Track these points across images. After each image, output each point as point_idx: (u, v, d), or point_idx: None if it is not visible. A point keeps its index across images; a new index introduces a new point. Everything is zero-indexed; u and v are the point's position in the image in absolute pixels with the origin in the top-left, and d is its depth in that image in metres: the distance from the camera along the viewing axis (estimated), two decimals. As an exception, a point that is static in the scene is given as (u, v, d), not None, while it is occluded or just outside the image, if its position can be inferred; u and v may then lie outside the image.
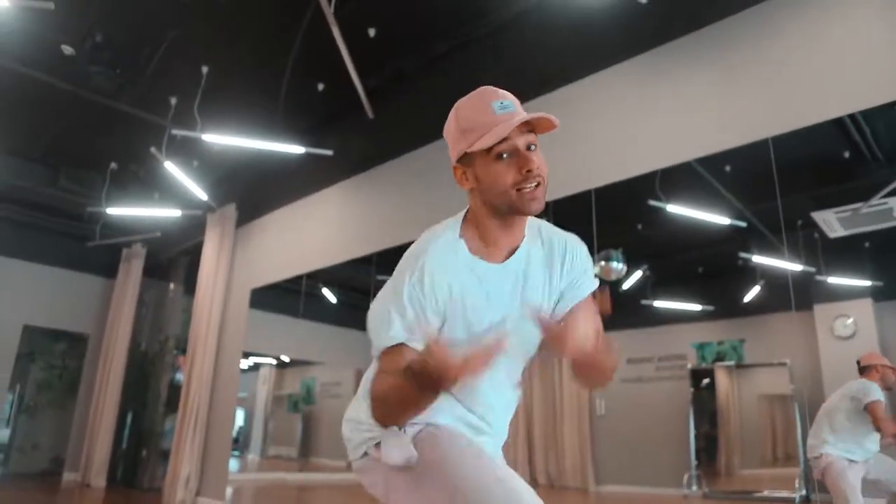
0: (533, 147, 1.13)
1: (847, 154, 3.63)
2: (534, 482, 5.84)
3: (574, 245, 1.30)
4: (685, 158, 3.19)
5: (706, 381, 5.64)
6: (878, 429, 3.02)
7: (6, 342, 7.59)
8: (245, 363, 8.19)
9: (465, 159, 1.17)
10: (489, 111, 1.12)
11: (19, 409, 9.07)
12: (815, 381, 3.76)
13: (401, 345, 1.12)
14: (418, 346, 1.09)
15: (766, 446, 5.06)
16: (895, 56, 2.54)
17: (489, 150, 1.11)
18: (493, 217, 1.18)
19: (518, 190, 1.11)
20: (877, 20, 2.65)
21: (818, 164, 3.88)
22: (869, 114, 3.05)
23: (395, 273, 1.19)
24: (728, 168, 3.80)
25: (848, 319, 4.06)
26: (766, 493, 4.91)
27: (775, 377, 4.91)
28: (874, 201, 3.65)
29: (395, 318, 1.13)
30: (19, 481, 7.69)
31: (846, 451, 3.13)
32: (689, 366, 5.78)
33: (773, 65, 2.89)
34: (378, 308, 1.17)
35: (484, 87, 1.17)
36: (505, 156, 1.11)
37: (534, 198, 1.12)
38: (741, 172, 3.83)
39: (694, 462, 5.28)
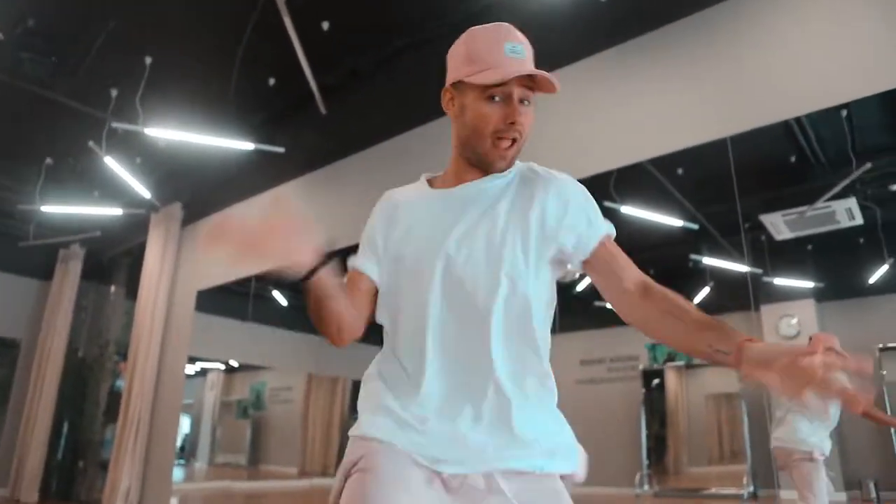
0: (527, 102, 1.09)
1: (793, 158, 3.71)
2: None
3: (564, 180, 1.16)
4: (639, 158, 3.20)
5: (657, 381, 5.74)
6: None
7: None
8: (192, 368, 7.93)
9: (459, 87, 1.13)
10: (501, 50, 1.08)
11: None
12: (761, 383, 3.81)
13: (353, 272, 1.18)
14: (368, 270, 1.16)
15: (714, 444, 5.16)
16: (849, 58, 2.59)
17: (485, 87, 1.07)
18: (460, 155, 1.17)
19: (495, 139, 1.09)
20: (831, 24, 2.70)
21: (766, 168, 3.96)
22: (814, 119, 3.13)
23: None
24: (680, 171, 3.85)
25: (792, 319, 4.17)
26: (714, 490, 5.00)
27: (724, 376, 5.02)
28: (818, 204, 3.74)
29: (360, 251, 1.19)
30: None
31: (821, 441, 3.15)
32: (641, 366, 5.88)
33: (729, 66, 2.92)
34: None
35: (503, 23, 1.13)
36: (497, 98, 1.07)
37: (504, 156, 1.10)
38: (693, 175, 3.88)
39: (645, 461, 5.35)
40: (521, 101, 1.08)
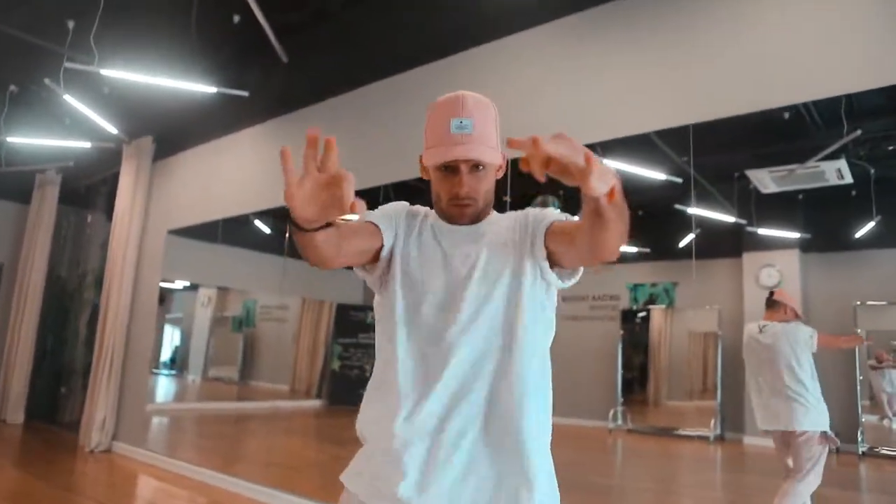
0: (481, 168, 1.21)
1: (787, 115, 3.56)
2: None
3: (529, 209, 1.31)
4: (622, 134, 3.05)
5: (639, 317, 5.81)
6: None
7: None
8: (181, 283, 7.99)
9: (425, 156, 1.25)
10: (447, 127, 1.18)
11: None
12: (738, 327, 3.89)
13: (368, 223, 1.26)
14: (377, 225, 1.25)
15: (692, 379, 5.27)
16: (842, 47, 2.38)
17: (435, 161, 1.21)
18: (440, 212, 1.30)
19: (449, 203, 1.24)
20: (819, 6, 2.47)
21: (757, 123, 3.81)
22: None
23: None
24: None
25: (774, 269, 4.18)
26: (685, 430, 5.14)
27: (705, 317, 5.08)
28: (809, 164, 3.65)
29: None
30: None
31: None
32: (621, 307, 5.93)
33: (707, 49, 2.71)
34: None
35: (456, 94, 1.21)
36: (444, 170, 1.21)
37: (462, 214, 1.24)
38: (680, 127, 3.74)
39: (620, 399, 5.49)
40: (475, 167, 1.20)
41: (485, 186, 1.24)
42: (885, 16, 2.25)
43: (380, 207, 1.34)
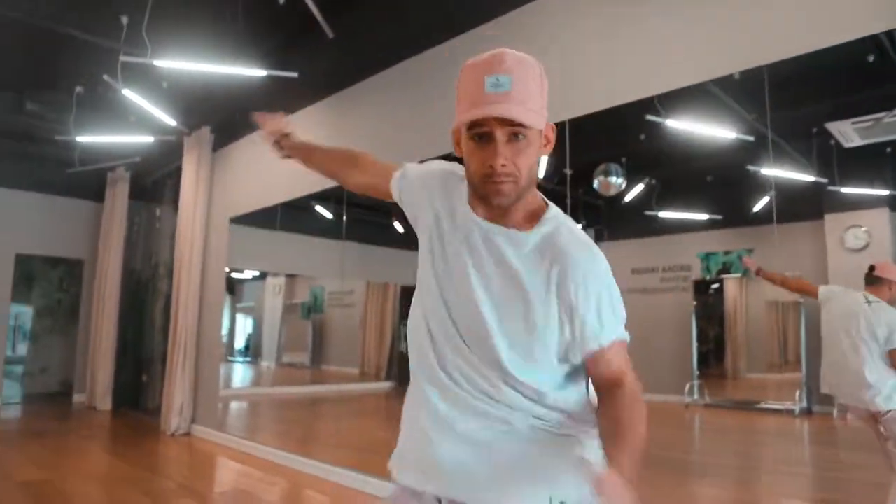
0: (521, 137, 1.00)
1: (871, 58, 3.25)
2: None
3: (579, 257, 1.07)
4: (688, 82, 2.86)
5: (713, 288, 5.57)
6: None
7: (1, 271, 7.54)
8: (251, 273, 8.22)
9: (458, 126, 1.08)
10: (481, 84, 0.99)
11: (24, 336, 9.22)
12: None
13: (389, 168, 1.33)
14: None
15: (772, 351, 5.02)
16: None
17: (468, 126, 1.02)
18: (474, 190, 1.11)
19: (483, 179, 1.02)
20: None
21: (836, 71, 3.54)
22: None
23: None
24: (737, 75, 3.46)
25: (860, 229, 3.90)
26: (768, 404, 4.91)
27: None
28: None
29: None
30: (33, 403, 7.92)
31: None
32: (693, 277, 5.69)
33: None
34: None
35: (496, 52, 1.02)
36: (478, 139, 1.02)
37: (498, 192, 1.02)
38: (751, 80, 3.49)
39: (696, 372, 5.29)
40: (512, 136, 1.00)
41: (526, 161, 1.02)
42: None
43: (416, 168, 1.27)
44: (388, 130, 3.99)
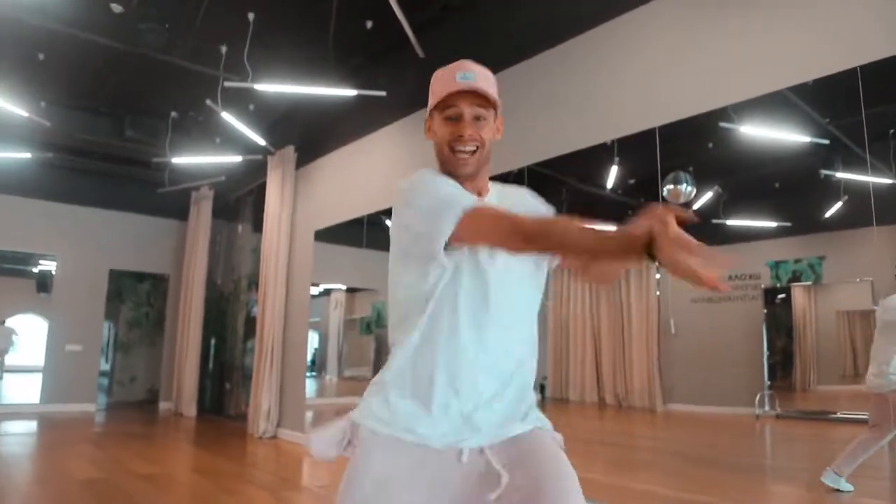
0: (482, 119, 1.27)
1: None
2: (602, 402, 5.94)
3: (523, 190, 1.43)
4: (764, 91, 2.96)
5: (781, 297, 5.51)
6: None
7: (96, 286, 8.13)
8: (315, 289, 8.54)
9: (431, 115, 1.34)
10: (452, 79, 1.26)
11: (115, 346, 9.83)
12: None
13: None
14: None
15: (844, 362, 4.95)
16: None
17: (441, 110, 1.28)
18: (441, 171, 1.33)
19: (451, 149, 1.27)
20: None
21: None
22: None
23: (408, 198, 1.25)
24: (810, 82, 3.52)
25: None
26: (843, 413, 4.83)
27: (856, 294, 4.74)
28: None
29: (455, 195, 1.20)
30: (121, 410, 8.44)
31: None
32: (763, 285, 5.64)
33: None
34: (425, 204, 1.21)
35: (461, 61, 1.29)
36: (451, 119, 1.27)
37: (465, 162, 1.27)
38: (824, 84, 3.54)
39: (767, 382, 5.23)
40: (476, 118, 1.27)
41: (486, 135, 1.28)
42: None
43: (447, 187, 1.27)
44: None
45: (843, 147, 4.05)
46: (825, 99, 3.70)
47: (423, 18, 4.06)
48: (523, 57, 3.68)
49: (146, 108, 6.27)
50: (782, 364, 5.40)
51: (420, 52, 3.92)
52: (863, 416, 4.38)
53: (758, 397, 5.09)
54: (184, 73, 4.94)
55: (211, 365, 8.30)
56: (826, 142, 4.09)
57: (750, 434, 5.11)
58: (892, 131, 3.78)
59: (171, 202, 8.20)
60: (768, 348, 5.35)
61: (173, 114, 6.19)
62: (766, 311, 5.53)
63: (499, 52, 3.82)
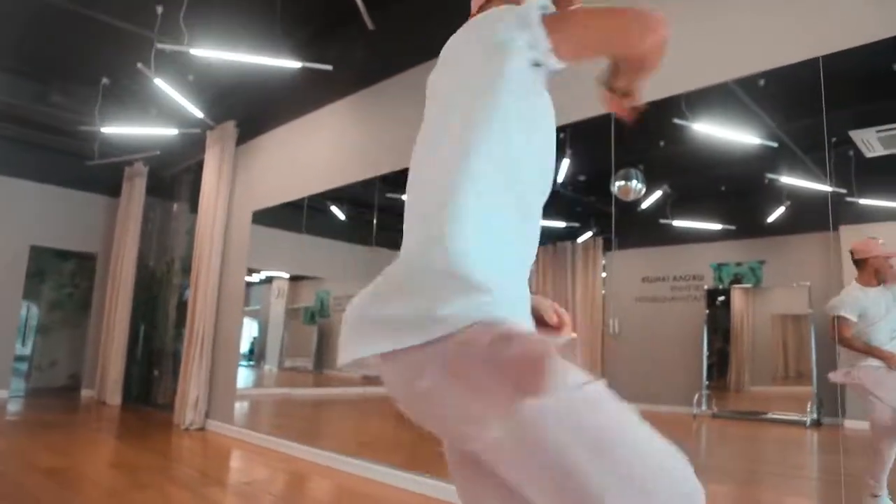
0: None
1: None
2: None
3: None
4: (718, 80, 2.90)
5: (721, 299, 5.57)
6: None
7: (15, 262, 7.57)
8: (257, 276, 8.23)
9: None
10: None
11: (35, 329, 9.23)
12: None
13: None
14: None
15: (777, 364, 5.03)
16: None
17: None
18: None
19: None
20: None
21: (860, 78, 3.59)
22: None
23: (491, 21, 1.03)
24: (762, 82, 3.51)
25: (877, 241, 3.92)
26: (776, 414, 4.91)
27: (793, 298, 4.83)
28: None
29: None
30: (40, 397, 7.90)
31: None
32: (706, 286, 5.69)
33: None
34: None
35: None
36: None
37: None
38: (776, 87, 3.54)
39: (705, 382, 5.29)
40: None
41: None
42: None
43: None
44: (418, 128, 4.02)
45: (788, 152, 4.10)
46: (776, 101, 3.72)
47: (375, -10, 3.85)
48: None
49: (75, 73, 5.83)
50: (719, 364, 5.47)
51: (370, 24, 3.71)
52: (793, 416, 4.48)
53: (696, 397, 5.14)
54: (115, 33, 4.58)
55: (139, 351, 7.86)
56: (774, 144, 4.14)
57: (687, 433, 5.14)
58: (833, 140, 3.84)
59: (102, 177, 7.71)
60: (708, 348, 5.42)
61: (105, 80, 5.78)
62: (707, 311, 5.59)
63: (454, 28, 3.65)
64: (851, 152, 3.82)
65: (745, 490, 3.93)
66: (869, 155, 3.78)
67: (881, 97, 3.60)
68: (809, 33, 2.57)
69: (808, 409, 4.33)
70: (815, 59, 2.73)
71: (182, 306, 7.14)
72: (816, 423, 4.22)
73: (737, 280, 5.50)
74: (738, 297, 5.50)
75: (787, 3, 2.65)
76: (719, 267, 5.65)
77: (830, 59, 2.81)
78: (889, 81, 3.42)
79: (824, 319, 3.93)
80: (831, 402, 3.88)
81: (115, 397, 7.33)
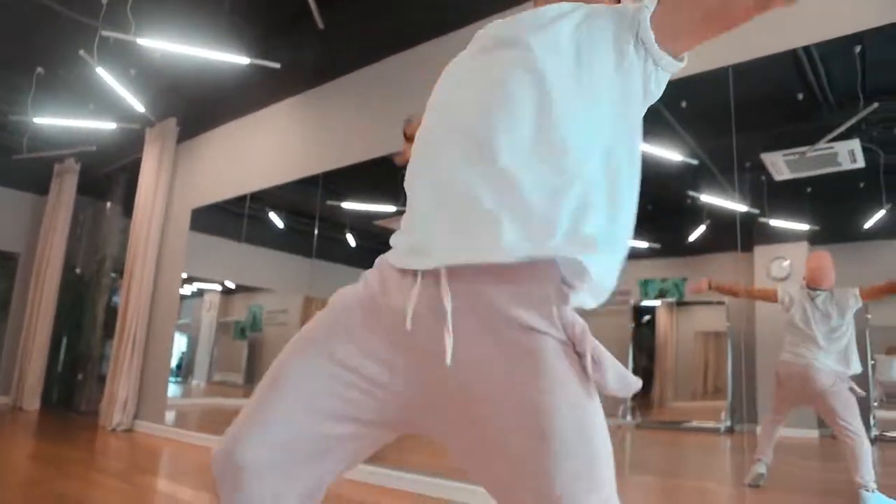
0: None
1: (801, 96, 3.61)
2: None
3: None
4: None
5: (647, 317, 5.80)
6: None
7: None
8: (189, 289, 8.03)
9: None
10: None
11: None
12: (749, 321, 3.88)
13: None
14: None
15: (698, 380, 5.26)
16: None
17: None
18: None
19: None
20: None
21: (771, 104, 3.87)
22: (825, 55, 3.03)
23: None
24: (684, 103, 3.76)
25: (784, 262, 4.15)
26: (694, 423, 5.14)
27: (713, 315, 5.07)
28: (821, 145, 3.67)
29: None
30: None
31: None
32: (632, 302, 5.93)
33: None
34: None
35: None
36: None
37: None
38: (696, 108, 3.78)
39: (629, 404, 5.48)
40: None
41: None
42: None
43: None
44: (367, 126, 4.12)
45: (708, 172, 4.35)
46: (695, 120, 3.99)
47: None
48: (431, 34, 3.67)
49: (5, 60, 5.64)
50: (644, 380, 5.67)
51: (320, 24, 3.81)
52: (709, 425, 4.75)
53: (620, 408, 5.34)
54: (55, 19, 4.50)
55: (62, 355, 7.53)
56: (695, 162, 4.35)
57: (612, 438, 5.31)
58: (748, 163, 4.11)
59: (29, 172, 7.42)
60: (633, 363, 5.63)
61: (39, 69, 5.61)
62: (633, 326, 5.82)
63: (407, 28, 3.78)
64: (763, 176, 4.07)
65: (667, 480, 4.14)
66: (778, 178, 4.02)
67: (787, 121, 3.82)
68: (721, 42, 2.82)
69: (723, 418, 4.60)
70: (727, 75, 2.96)
71: (112, 310, 6.93)
72: (730, 430, 4.47)
73: (662, 295, 5.77)
74: (662, 314, 5.74)
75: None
76: (646, 283, 5.92)
77: (742, 77, 3.08)
78: (795, 106, 3.72)
79: (740, 336, 4.20)
80: (744, 411, 4.13)
81: (32, 402, 6.98)
